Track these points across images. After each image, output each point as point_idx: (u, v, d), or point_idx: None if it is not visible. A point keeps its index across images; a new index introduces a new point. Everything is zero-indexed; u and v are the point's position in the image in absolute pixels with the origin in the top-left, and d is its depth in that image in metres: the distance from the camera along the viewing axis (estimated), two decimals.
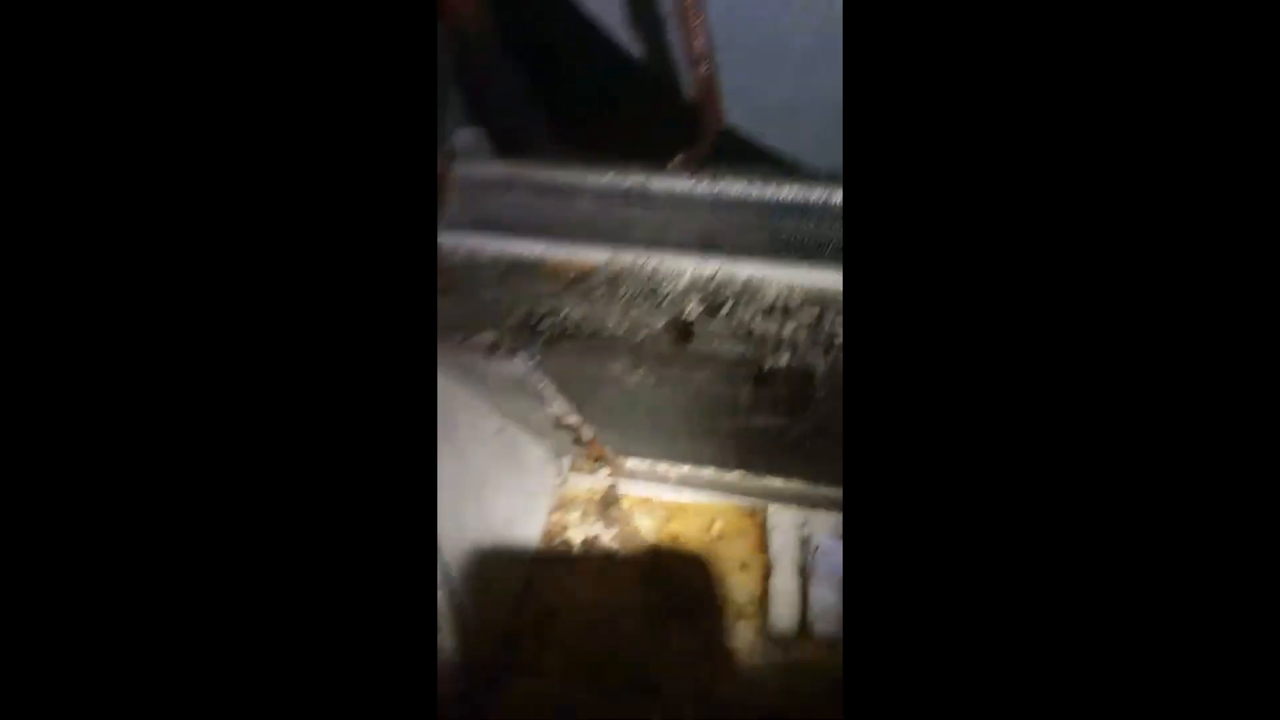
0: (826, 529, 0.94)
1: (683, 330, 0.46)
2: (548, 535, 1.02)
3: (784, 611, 0.88)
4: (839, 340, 0.46)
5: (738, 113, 0.54)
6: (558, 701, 0.83)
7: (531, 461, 1.02)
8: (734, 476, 1.03)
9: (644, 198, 0.46)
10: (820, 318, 0.43)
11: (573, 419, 0.86)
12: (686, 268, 0.43)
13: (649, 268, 0.44)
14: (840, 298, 0.41)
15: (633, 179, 0.47)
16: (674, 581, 0.95)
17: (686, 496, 1.04)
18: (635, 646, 0.90)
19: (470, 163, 0.53)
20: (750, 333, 0.48)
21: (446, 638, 0.76)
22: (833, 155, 0.46)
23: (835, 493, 0.98)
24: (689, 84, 0.53)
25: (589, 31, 0.59)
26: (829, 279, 0.41)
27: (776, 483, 1.01)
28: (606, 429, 0.92)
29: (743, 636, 0.89)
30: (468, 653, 0.79)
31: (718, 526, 1.00)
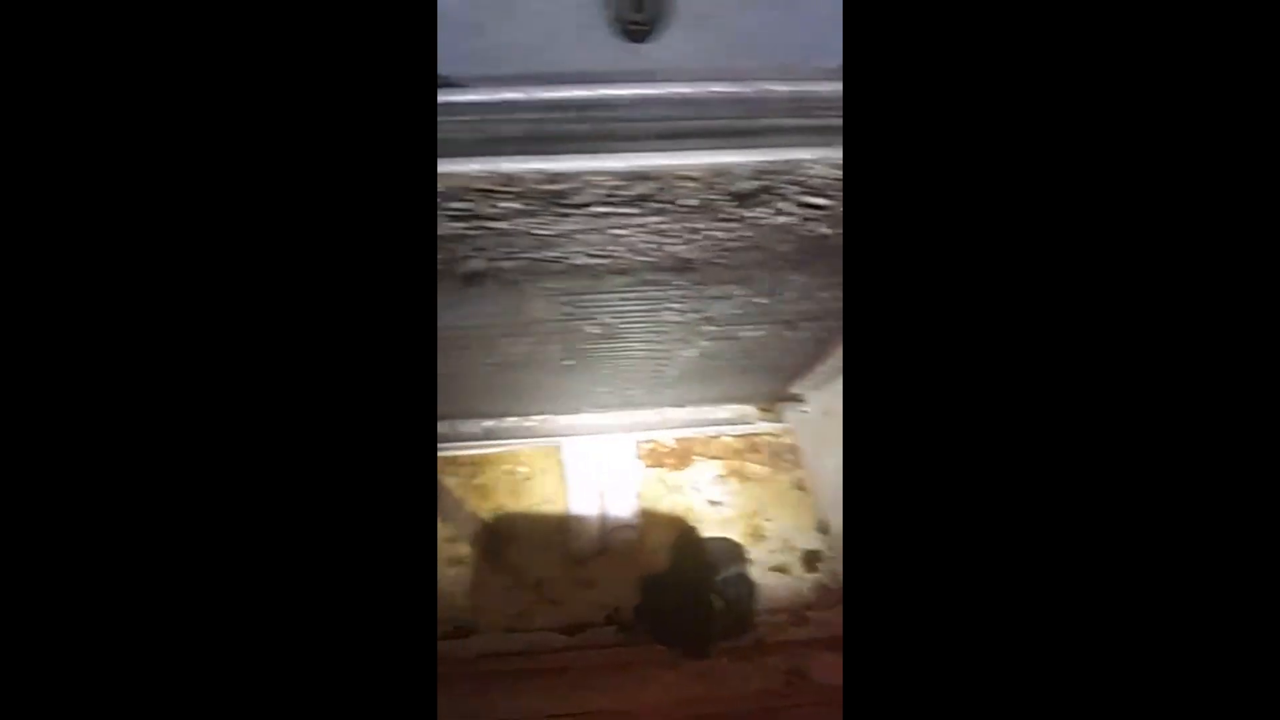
0: (617, 452, 1.00)
1: None
2: None
3: (584, 534, 0.94)
4: (507, 230, 0.50)
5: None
6: None
7: None
8: (534, 421, 1.07)
9: None
10: (472, 209, 0.46)
11: None
12: None
13: None
14: (472, 181, 0.44)
15: None
16: (483, 529, 0.97)
17: (490, 449, 1.06)
18: (448, 596, 0.90)
19: None
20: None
21: None
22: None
23: (624, 417, 1.05)
24: None
25: None
26: (458, 166, 0.44)
27: (573, 419, 1.06)
28: None
29: (549, 564, 0.93)
30: None
31: (522, 470, 1.03)
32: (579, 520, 0.95)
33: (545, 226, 0.48)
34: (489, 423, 1.07)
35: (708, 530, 0.92)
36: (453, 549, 0.96)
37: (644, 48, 0.50)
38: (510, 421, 1.07)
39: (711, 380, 0.93)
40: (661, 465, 1.01)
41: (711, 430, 1.03)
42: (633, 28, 0.48)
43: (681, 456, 1.02)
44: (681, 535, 0.91)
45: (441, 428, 1.08)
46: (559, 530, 0.96)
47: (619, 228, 0.48)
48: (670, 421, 1.04)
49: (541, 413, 1.05)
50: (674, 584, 0.85)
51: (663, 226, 0.49)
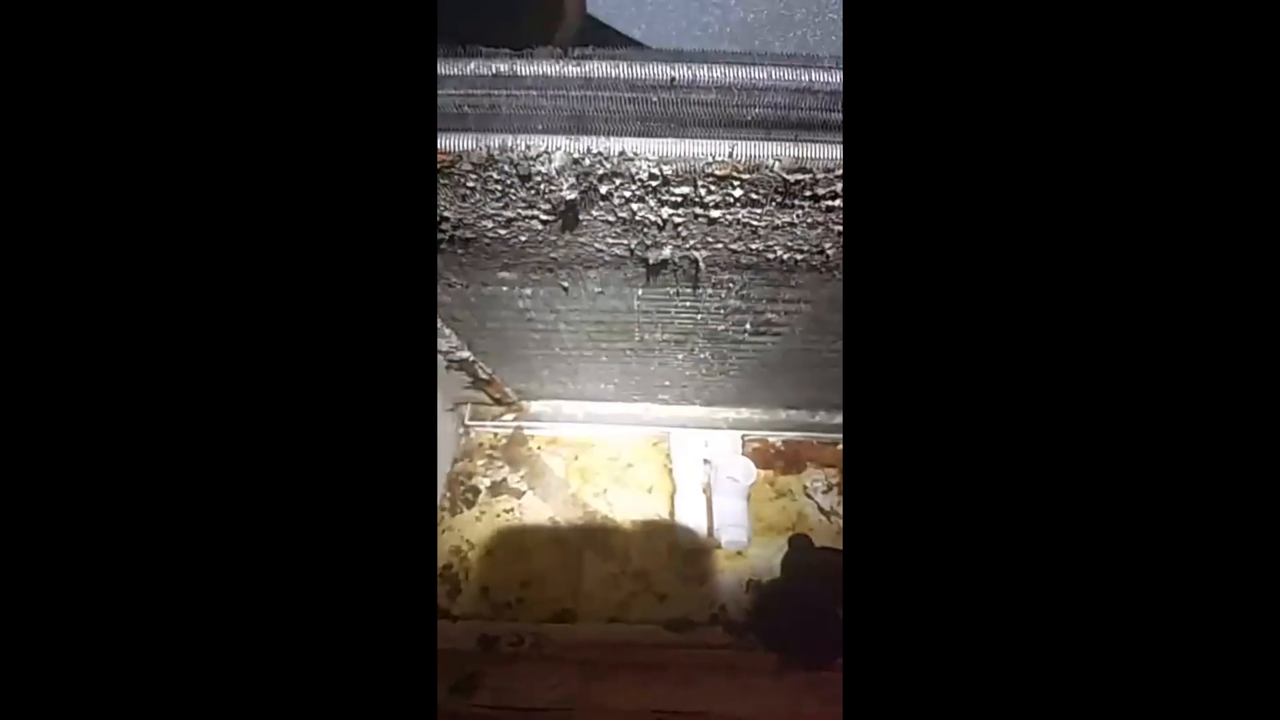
0: (725, 448, 0.98)
1: (567, 213, 0.45)
2: (452, 484, 0.99)
3: (690, 527, 0.92)
4: (718, 220, 0.47)
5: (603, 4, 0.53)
6: (468, 640, 0.82)
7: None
8: (638, 409, 1.05)
9: (511, 80, 0.44)
10: (692, 195, 0.44)
11: (465, 354, 0.83)
12: (558, 147, 0.42)
13: (518, 150, 0.42)
14: (709, 166, 0.42)
15: (499, 64, 0.44)
16: (584, 513, 0.96)
17: (593, 432, 1.05)
18: (547, 579, 0.90)
19: None
20: (633, 218, 0.47)
21: None
22: (691, 42, 0.45)
23: (733, 413, 1.02)
24: None
25: None
26: (699, 149, 0.42)
27: (679, 410, 1.04)
28: (504, 364, 0.90)
29: (653, 555, 0.91)
30: None
31: (625, 457, 1.02)
32: (685, 513, 0.93)
33: (762, 218, 0.45)
34: (590, 405, 1.06)
35: (820, 540, 0.89)
36: (554, 531, 0.95)
37: None
38: (612, 406, 1.05)
39: (833, 385, 0.90)
40: (770, 467, 0.98)
41: (826, 436, 0.99)
42: None
43: (791, 460, 0.99)
44: (793, 542, 0.88)
45: (543, 407, 1.07)
46: (664, 522, 0.94)
47: (842, 223, 0.45)
48: (782, 423, 1.01)
49: (646, 399, 1.04)
50: (789, 592, 0.83)
51: None
